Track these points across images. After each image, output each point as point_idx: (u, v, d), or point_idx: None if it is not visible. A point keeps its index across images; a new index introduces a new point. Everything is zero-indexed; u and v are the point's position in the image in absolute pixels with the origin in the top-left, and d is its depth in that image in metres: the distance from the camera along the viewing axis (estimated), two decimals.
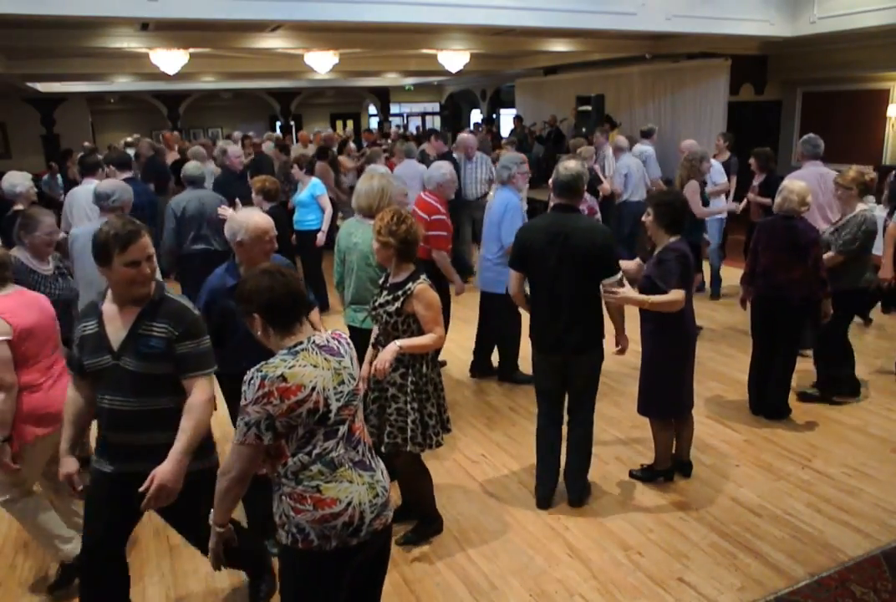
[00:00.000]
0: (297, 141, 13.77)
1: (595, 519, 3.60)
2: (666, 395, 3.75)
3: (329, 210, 6.93)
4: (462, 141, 8.39)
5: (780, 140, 11.78)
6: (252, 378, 2.01)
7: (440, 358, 5.53)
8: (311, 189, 6.88)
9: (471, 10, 6.97)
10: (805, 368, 5.08)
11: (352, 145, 11.78)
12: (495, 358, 5.56)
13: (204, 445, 2.58)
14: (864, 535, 3.41)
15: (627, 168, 8.06)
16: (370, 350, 3.30)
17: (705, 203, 5.96)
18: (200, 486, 2.44)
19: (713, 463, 4.14)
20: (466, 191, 8.05)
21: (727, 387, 5.19)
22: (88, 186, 5.53)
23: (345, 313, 4.05)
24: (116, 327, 2.45)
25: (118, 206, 4.08)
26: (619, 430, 4.54)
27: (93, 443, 2.86)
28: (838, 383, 4.92)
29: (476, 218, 8.43)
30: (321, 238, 6.84)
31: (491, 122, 18.83)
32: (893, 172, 6.89)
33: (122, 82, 14.28)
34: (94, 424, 2.64)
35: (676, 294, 3.46)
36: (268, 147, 10.80)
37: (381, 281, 3.31)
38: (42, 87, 14.43)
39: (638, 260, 4.04)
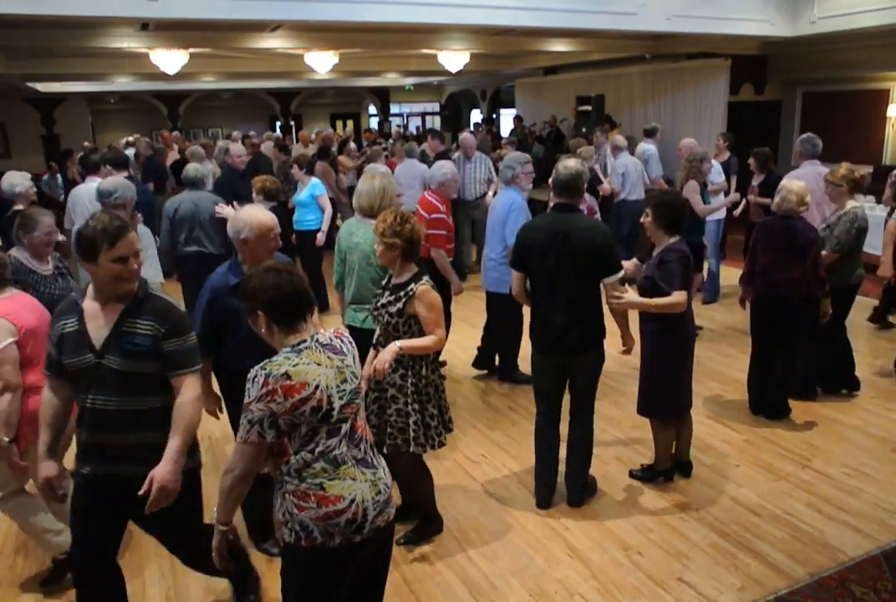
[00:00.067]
0: (296, 141, 13.78)
1: (595, 519, 3.61)
2: (666, 396, 3.75)
3: (329, 210, 6.93)
4: (462, 141, 8.41)
5: (780, 140, 11.78)
6: (256, 376, 2.01)
7: (440, 358, 5.57)
8: (311, 189, 6.88)
9: (471, 10, 6.98)
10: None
11: (352, 145, 11.79)
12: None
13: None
14: (864, 535, 3.41)
15: (625, 167, 8.07)
16: (372, 351, 3.30)
17: (705, 203, 5.95)
18: (187, 487, 2.44)
19: (713, 463, 4.14)
20: (465, 191, 8.06)
21: (727, 387, 5.19)
22: (91, 185, 5.54)
23: (345, 313, 4.05)
24: (98, 325, 2.39)
25: (120, 203, 4.09)
26: (619, 430, 4.54)
27: None
28: (838, 380, 4.93)
29: (475, 218, 8.44)
30: (321, 238, 6.84)
31: (491, 122, 18.84)
32: (894, 172, 6.88)
33: (122, 82, 14.29)
34: None
35: (679, 296, 3.46)
36: (267, 147, 10.80)
37: (383, 281, 3.31)
38: (42, 87, 14.43)
39: (635, 260, 4.04)
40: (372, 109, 22.66)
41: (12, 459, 2.85)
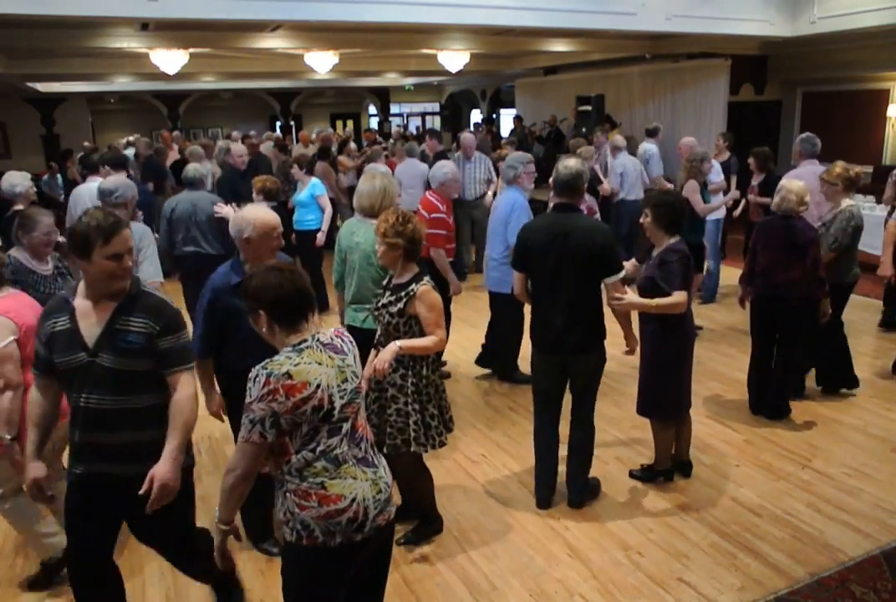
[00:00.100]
0: (296, 141, 13.78)
1: (595, 519, 3.60)
2: (666, 396, 3.75)
3: (329, 210, 6.93)
4: (462, 141, 8.41)
5: (780, 140, 11.79)
6: (257, 375, 2.01)
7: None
8: (311, 189, 6.88)
9: (471, 10, 6.98)
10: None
11: (352, 145, 11.79)
12: None
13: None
14: (864, 535, 3.41)
15: (623, 167, 8.09)
16: (373, 352, 3.29)
17: (706, 202, 5.95)
18: (182, 486, 2.43)
19: (713, 463, 4.14)
20: (465, 191, 8.05)
21: (727, 387, 5.19)
22: (92, 185, 5.54)
23: (345, 313, 4.05)
24: (90, 323, 2.36)
25: (121, 202, 4.09)
26: (619, 430, 4.54)
27: None
28: (837, 379, 4.95)
29: (474, 218, 8.44)
30: (321, 238, 6.84)
31: (491, 122, 18.84)
32: (895, 172, 6.88)
33: (122, 82, 14.30)
34: None
35: (680, 296, 3.46)
36: (266, 147, 10.80)
37: (384, 282, 3.31)
38: (42, 87, 14.44)
39: (634, 261, 4.03)
40: (372, 109, 22.66)
41: (14, 458, 2.84)
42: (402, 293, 3.06)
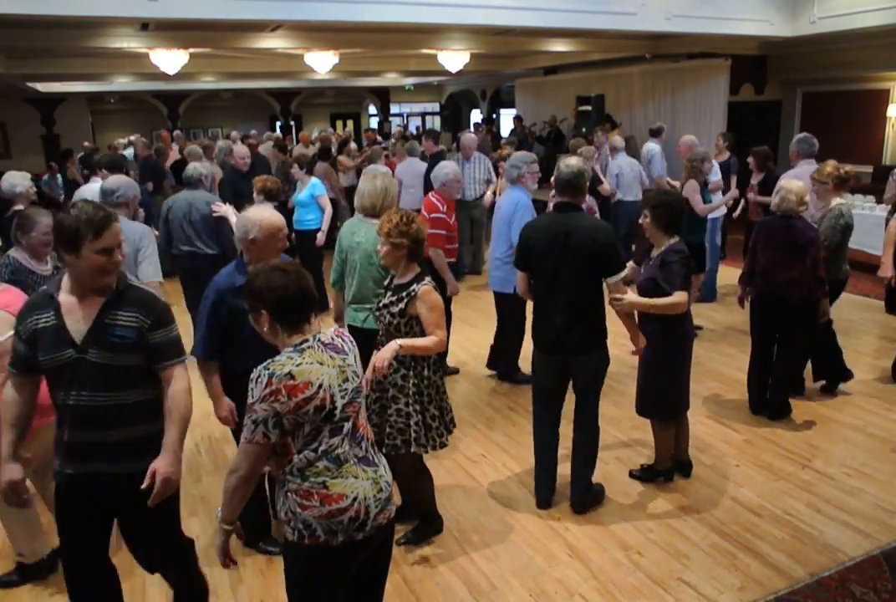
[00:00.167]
0: (297, 142, 13.78)
1: (595, 519, 3.60)
2: (666, 396, 3.75)
3: (329, 210, 6.93)
4: (461, 141, 8.41)
5: (780, 140, 11.78)
6: (259, 376, 2.00)
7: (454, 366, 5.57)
8: (311, 189, 6.88)
9: (471, 10, 6.98)
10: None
11: (352, 145, 11.78)
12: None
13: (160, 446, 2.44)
14: (864, 535, 3.41)
15: (619, 168, 8.11)
16: (375, 353, 3.29)
17: (706, 203, 5.94)
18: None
19: (713, 463, 4.14)
20: (464, 191, 8.05)
21: (727, 387, 5.19)
22: (94, 186, 5.55)
23: (345, 313, 4.05)
24: (77, 319, 2.30)
25: (123, 201, 4.09)
26: (619, 430, 4.54)
27: None
28: (833, 372, 4.99)
29: (474, 218, 8.44)
30: (321, 238, 6.84)
31: (491, 122, 18.85)
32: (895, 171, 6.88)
33: (122, 82, 14.30)
34: None
35: (680, 296, 3.46)
36: (265, 148, 10.80)
37: (386, 282, 3.31)
38: (42, 87, 14.44)
39: (631, 263, 4.01)
40: (372, 109, 22.66)
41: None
42: (404, 293, 3.06)
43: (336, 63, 10.68)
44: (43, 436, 2.96)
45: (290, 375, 1.98)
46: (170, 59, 9.55)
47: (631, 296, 3.45)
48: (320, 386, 2.02)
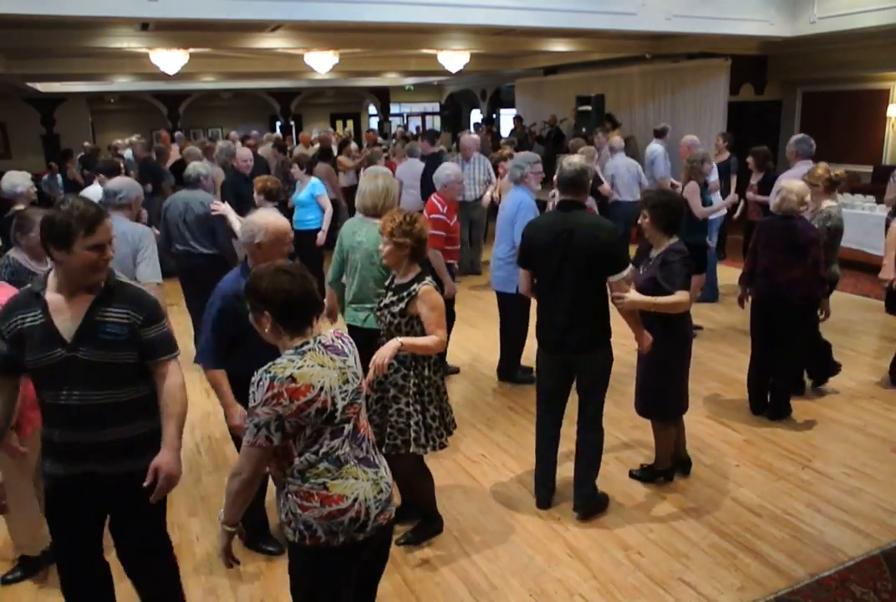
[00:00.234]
0: (297, 142, 13.77)
1: (595, 519, 3.60)
2: (666, 397, 3.75)
3: (329, 209, 6.93)
4: (462, 142, 8.42)
5: (780, 140, 11.77)
6: (261, 379, 2.00)
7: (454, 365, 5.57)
8: (311, 188, 6.88)
9: (471, 10, 6.99)
10: None
11: (353, 145, 11.77)
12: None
13: (159, 442, 2.42)
14: (864, 535, 3.41)
15: (615, 168, 8.13)
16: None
17: (707, 205, 5.93)
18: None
19: (713, 463, 4.14)
20: (464, 192, 8.05)
21: (727, 387, 5.19)
22: (97, 188, 5.56)
23: (345, 312, 4.05)
24: (66, 317, 2.26)
25: (125, 203, 4.10)
26: (619, 430, 4.54)
27: None
28: (823, 369, 5.03)
29: (473, 219, 8.44)
30: (321, 238, 6.84)
31: (491, 122, 18.84)
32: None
33: (122, 82, 14.30)
34: None
35: (682, 295, 3.46)
36: (265, 149, 10.79)
37: (387, 282, 3.31)
38: (42, 87, 14.44)
39: (630, 266, 4.00)
40: (372, 109, 22.66)
41: (11, 445, 2.78)
42: (404, 293, 3.07)
43: (336, 63, 10.69)
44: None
45: (292, 378, 1.98)
46: (170, 59, 9.55)
47: (633, 294, 3.42)
48: (321, 388, 2.02)
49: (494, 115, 20.11)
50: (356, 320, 3.91)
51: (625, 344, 3.79)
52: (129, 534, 2.51)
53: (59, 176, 11.43)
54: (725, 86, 10.39)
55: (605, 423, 3.62)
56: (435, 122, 23.00)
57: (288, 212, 7.08)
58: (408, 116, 23.51)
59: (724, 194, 7.49)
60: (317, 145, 10.77)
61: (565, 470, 3.77)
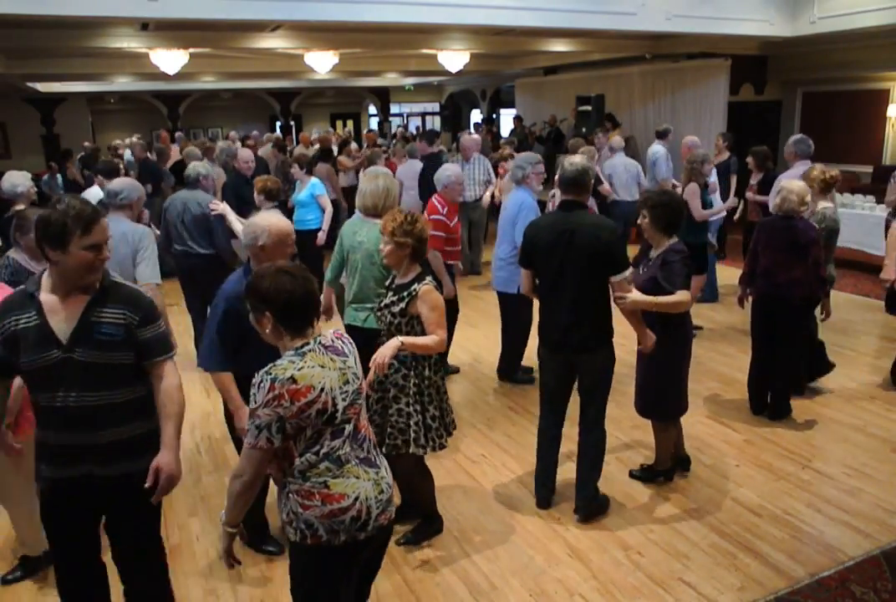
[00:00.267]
0: (297, 142, 13.77)
1: (595, 519, 3.60)
2: (667, 397, 3.75)
3: (329, 209, 6.93)
4: (461, 143, 8.42)
5: (780, 140, 11.76)
6: (262, 381, 2.00)
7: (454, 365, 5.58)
8: (311, 188, 6.88)
9: (471, 10, 6.98)
10: None
11: (353, 145, 11.77)
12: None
13: (157, 443, 2.41)
14: (864, 535, 3.41)
15: (612, 168, 8.12)
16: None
17: (707, 206, 5.93)
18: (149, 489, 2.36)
19: (713, 463, 4.14)
20: (463, 192, 8.05)
21: (727, 387, 5.19)
22: (97, 189, 5.56)
23: (345, 312, 4.05)
24: (60, 318, 2.24)
25: (126, 203, 4.10)
26: (619, 430, 4.54)
27: None
28: (819, 366, 5.05)
29: (472, 220, 8.43)
30: (322, 237, 6.84)
31: (491, 122, 18.84)
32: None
33: (122, 82, 14.30)
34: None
35: (683, 295, 3.46)
36: (265, 150, 10.79)
37: (387, 282, 3.31)
38: (42, 87, 14.44)
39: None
40: (372, 109, 22.66)
41: (8, 443, 2.75)
42: (405, 293, 3.07)
43: (336, 63, 10.68)
44: None
45: (293, 379, 1.98)
46: (170, 59, 9.54)
47: (635, 294, 3.41)
48: (322, 389, 2.02)
49: (494, 115, 20.11)
50: (356, 320, 3.91)
51: (625, 344, 3.79)
52: (126, 534, 2.50)
53: (59, 176, 11.43)
54: (725, 86, 10.39)
55: (605, 424, 3.62)
56: (435, 122, 22.99)
57: (288, 212, 7.08)
58: (408, 116, 23.51)
59: (725, 194, 7.50)
60: (317, 145, 10.77)
61: (566, 470, 3.77)
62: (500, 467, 4.15)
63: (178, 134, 13.32)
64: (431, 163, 8.17)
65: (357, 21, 6.72)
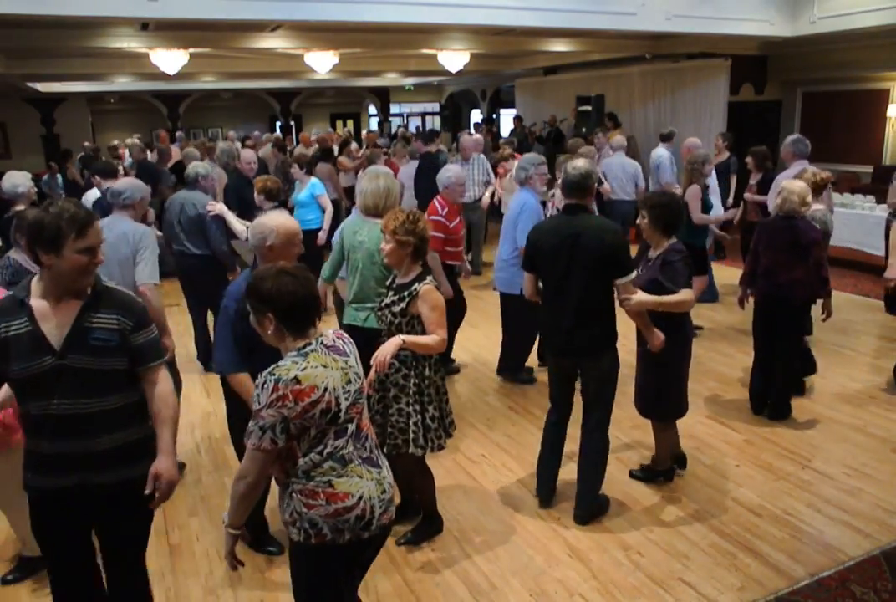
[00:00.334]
0: (296, 142, 13.77)
1: (595, 519, 3.60)
2: (668, 397, 3.76)
3: (330, 209, 6.93)
4: (461, 143, 8.42)
5: (780, 140, 11.72)
6: (265, 382, 2.00)
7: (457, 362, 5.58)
8: (311, 188, 6.89)
9: (471, 10, 6.98)
10: None
11: (353, 146, 11.76)
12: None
13: (153, 448, 2.39)
14: (864, 535, 3.42)
15: (608, 166, 8.13)
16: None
17: (708, 208, 5.91)
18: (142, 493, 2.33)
19: (713, 463, 4.14)
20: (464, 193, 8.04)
21: (727, 387, 5.19)
22: (96, 191, 5.58)
23: (346, 312, 4.05)
24: (53, 325, 2.20)
25: (129, 203, 4.10)
26: (619, 430, 4.54)
27: None
28: (805, 366, 5.07)
29: (471, 221, 8.42)
30: (322, 237, 6.84)
31: (491, 122, 18.83)
32: None
33: (122, 82, 14.29)
34: None
35: (687, 293, 3.46)
36: (265, 150, 10.78)
37: (388, 282, 3.31)
38: (42, 87, 14.44)
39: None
40: (372, 109, 22.66)
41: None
42: (405, 293, 3.07)
43: (336, 63, 10.68)
44: None
45: (296, 380, 1.99)
46: (170, 59, 9.54)
47: (640, 295, 3.40)
48: (326, 389, 2.03)
49: (494, 115, 20.11)
50: (356, 320, 3.91)
51: (625, 344, 3.78)
52: (118, 540, 2.46)
53: (59, 176, 11.43)
54: (725, 86, 10.39)
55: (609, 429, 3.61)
56: (435, 122, 22.99)
57: (287, 212, 7.08)
58: (408, 116, 23.50)
59: (724, 194, 7.49)
60: (315, 146, 10.77)
61: (567, 470, 3.77)
62: (500, 467, 4.16)
63: (178, 133, 13.31)
64: (427, 162, 8.18)
65: (357, 21, 6.72)
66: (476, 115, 20.98)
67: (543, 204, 5.37)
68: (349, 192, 9.02)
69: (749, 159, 6.84)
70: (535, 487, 3.77)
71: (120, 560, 2.50)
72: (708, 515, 3.62)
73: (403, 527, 3.45)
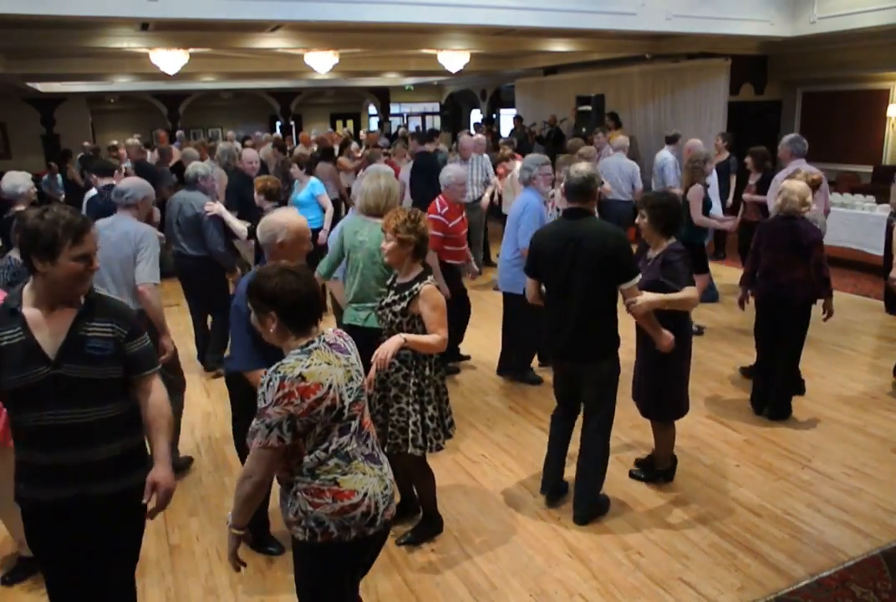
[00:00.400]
0: (296, 142, 13.77)
1: (595, 519, 3.60)
2: (668, 397, 3.76)
3: (330, 209, 6.93)
4: (460, 143, 8.42)
5: (780, 140, 11.76)
6: (270, 380, 2.00)
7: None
8: (311, 188, 6.88)
9: (471, 10, 6.99)
10: None
11: (354, 145, 11.76)
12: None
13: (146, 456, 2.38)
14: (864, 535, 3.42)
15: (604, 166, 8.11)
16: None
17: (707, 206, 5.90)
18: (140, 502, 2.31)
19: (713, 463, 4.14)
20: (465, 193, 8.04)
21: (727, 387, 5.19)
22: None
23: (346, 312, 4.05)
24: (47, 334, 2.15)
25: (132, 203, 4.10)
26: (620, 430, 4.52)
27: None
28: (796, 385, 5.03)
29: (472, 220, 8.41)
30: (323, 237, 6.84)
31: (491, 122, 18.84)
32: None
33: (122, 82, 14.30)
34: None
35: (691, 291, 3.46)
36: (265, 150, 10.78)
37: (388, 281, 3.32)
38: (42, 87, 14.45)
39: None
40: (372, 109, 22.66)
41: None
42: (406, 292, 3.07)
43: (336, 63, 10.68)
44: None
45: (302, 377, 1.99)
46: (170, 59, 9.54)
47: (647, 295, 3.38)
48: (330, 386, 2.04)
49: (494, 115, 20.11)
50: (357, 320, 3.90)
51: (624, 344, 3.78)
52: (113, 547, 2.42)
53: (58, 176, 11.43)
54: (725, 86, 10.39)
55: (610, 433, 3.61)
56: (435, 122, 22.99)
57: None
58: (408, 116, 23.51)
59: (724, 194, 7.49)
60: (314, 146, 10.77)
61: (568, 471, 3.77)
62: (500, 467, 4.16)
63: (178, 133, 13.31)
64: (423, 161, 8.17)
65: (357, 21, 6.72)
66: (476, 115, 20.98)
67: (544, 204, 5.37)
68: (350, 192, 9.02)
69: (748, 159, 6.84)
70: (542, 481, 3.75)
71: (112, 570, 2.46)
72: (708, 515, 3.62)
73: (403, 527, 3.45)
